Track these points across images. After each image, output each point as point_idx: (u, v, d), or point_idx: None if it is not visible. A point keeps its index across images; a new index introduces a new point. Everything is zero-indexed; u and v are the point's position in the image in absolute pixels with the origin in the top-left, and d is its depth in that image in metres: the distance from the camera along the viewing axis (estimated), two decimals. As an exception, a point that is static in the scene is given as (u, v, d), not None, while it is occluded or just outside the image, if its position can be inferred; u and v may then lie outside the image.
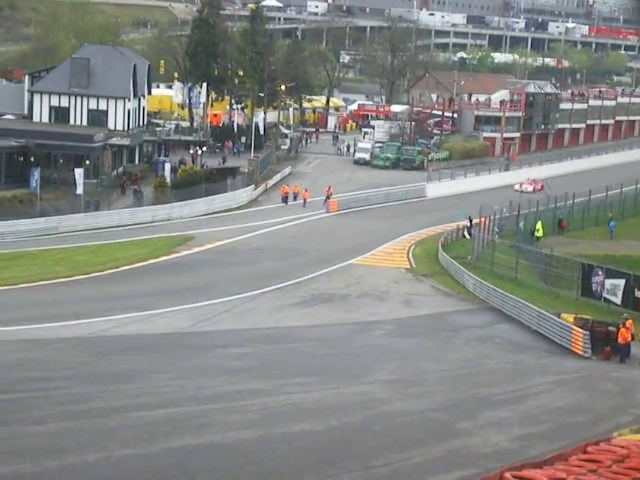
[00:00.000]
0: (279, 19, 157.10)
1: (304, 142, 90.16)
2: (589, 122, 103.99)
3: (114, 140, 65.62)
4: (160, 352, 28.96)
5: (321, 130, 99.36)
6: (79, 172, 55.75)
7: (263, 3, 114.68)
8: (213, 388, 23.80)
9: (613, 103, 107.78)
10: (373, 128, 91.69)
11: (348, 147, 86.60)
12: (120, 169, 67.32)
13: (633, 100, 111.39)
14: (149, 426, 18.71)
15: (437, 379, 27.10)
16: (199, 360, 27.94)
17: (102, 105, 67.54)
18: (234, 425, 19.50)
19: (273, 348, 30.60)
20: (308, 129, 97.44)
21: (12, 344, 28.85)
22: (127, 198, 60.11)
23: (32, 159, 60.48)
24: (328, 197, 62.32)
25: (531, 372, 28.71)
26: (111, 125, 67.30)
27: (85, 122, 67.33)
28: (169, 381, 24.72)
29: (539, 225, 51.67)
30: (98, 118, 67.17)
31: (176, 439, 17.70)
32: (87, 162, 61.76)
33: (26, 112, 68.85)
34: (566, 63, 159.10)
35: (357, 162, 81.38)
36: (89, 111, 67.42)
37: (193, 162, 70.55)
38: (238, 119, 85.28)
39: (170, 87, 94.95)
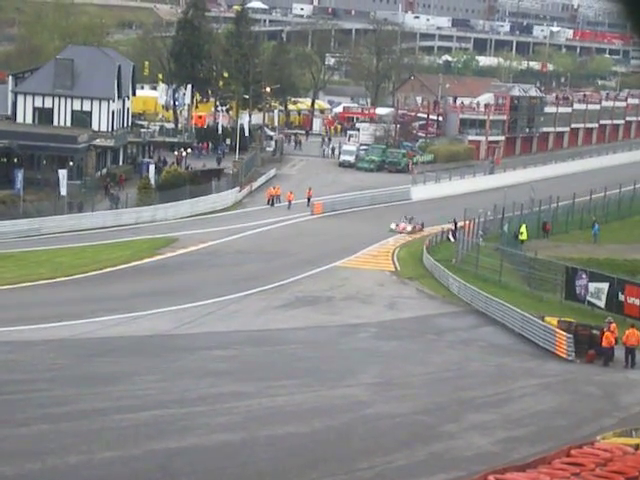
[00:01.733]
0: (264, 21, 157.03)
1: (295, 144, 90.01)
2: (573, 126, 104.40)
3: (98, 141, 65.41)
4: (144, 354, 28.89)
5: (308, 132, 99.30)
6: (63, 173, 55.54)
7: (248, 5, 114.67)
8: (197, 390, 23.76)
9: (597, 107, 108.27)
10: (358, 130, 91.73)
11: (333, 149, 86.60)
12: (104, 170, 67.10)
13: (617, 104, 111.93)
14: (132, 428, 18.67)
15: (421, 382, 27.14)
16: (183, 362, 27.89)
17: (86, 106, 67.31)
18: (218, 428, 19.48)
19: (257, 350, 30.57)
20: (298, 131, 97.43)
21: (-6, 346, 28.70)
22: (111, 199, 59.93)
23: (16, 160, 60.20)
24: (309, 199, 62.35)
25: (515, 375, 28.79)
26: (95, 126, 67.07)
27: (69, 123, 67.04)
28: (152, 383, 24.67)
29: (523, 228, 51.85)
30: (82, 119, 66.93)
31: (159, 442, 17.68)
32: (71, 163, 61.50)
33: (9, 113, 68.53)
34: (551, 67, 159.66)
35: (342, 164, 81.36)
36: (73, 112, 67.15)
37: (178, 163, 70.41)
38: (223, 121, 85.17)
39: (155, 88, 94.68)
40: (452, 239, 52.76)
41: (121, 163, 70.92)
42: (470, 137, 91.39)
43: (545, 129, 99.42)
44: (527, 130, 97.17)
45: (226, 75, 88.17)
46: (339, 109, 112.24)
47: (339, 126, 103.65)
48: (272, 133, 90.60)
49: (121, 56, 79.69)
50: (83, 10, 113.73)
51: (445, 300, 40.67)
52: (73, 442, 17.27)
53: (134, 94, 76.98)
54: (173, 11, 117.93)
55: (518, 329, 34.64)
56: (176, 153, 72.58)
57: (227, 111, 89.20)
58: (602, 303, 37.77)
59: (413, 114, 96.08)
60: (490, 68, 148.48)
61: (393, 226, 55.83)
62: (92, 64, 67.79)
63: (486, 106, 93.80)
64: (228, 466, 16.57)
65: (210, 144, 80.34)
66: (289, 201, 61.81)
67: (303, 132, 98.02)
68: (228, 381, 25.34)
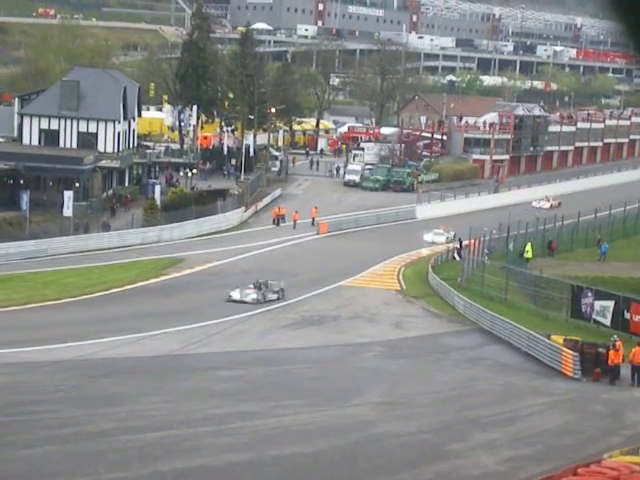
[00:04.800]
0: (269, 42, 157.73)
1: (311, 164, 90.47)
2: (577, 144, 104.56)
3: (104, 162, 65.61)
4: (150, 375, 28.87)
5: (309, 152, 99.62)
6: (69, 194, 55.68)
7: (253, 26, 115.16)
8: (203, 411, 23.72)
9: (601, 125, 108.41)
10: (363, 150, 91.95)
11: (338, 169, 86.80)
12: (110, 191, 67.27)
13: (621, 122, 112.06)
14: (138, 450, 18.63)
15: (427, 401, 27.07)
16: (189, 383, 27.85)
17: (92, 128, 67.55)
18: (224, 448, 19.43)
19: (263, 370, 30.53)
20: (311, 151, 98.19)
21: (0, 367, 28.70)
22: (117, 220, 60.05)
23: (22, 182, 60.37)
24: (314, 219, 62.43)
25: (521, 394, 28.70)
26: (101, 148, 67.28)
27: (75, 145, 67.29)
28: (159, 404, 24.62)
29: (528, 247, 51.82)
30: (88, 141, 67.18)
31: (166, 463, 17.63)
32: (77, 184, 61.66)
33: (16, 135, 68.83)
34: (554, 86, 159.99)
35: (347, 184, 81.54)
36: (79, 134, 67.41)
37: (178, 182, 70.51)
38: (228, 141, 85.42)
39: (160, 110, 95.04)
40: (457, 258, 52.76)
41: (127, 184, 71.12)
42: (475, 156, 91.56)
43: (549, 148, 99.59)
44: (531, 149, 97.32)
45: (231, 96, 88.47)
46: (344, 129, 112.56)
47: (344, 146, 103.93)
48: (277, 153, 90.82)
49: (127, 78, 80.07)
50: (89, 32, 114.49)
51: (451, 319, 40.61)
52: (79, 464, 17.23)
53: (140, 115, 77.28)
54: (178, 33, 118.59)
55: (524, 348, 34.56)
56: (181, 173, 72.68)
57: (232, 132, 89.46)
58: (608, 321, 37.66)
59: (418, 133, 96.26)
60: (494, 87, 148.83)
61: (235, 293, 43.21)
62: (98, 86, 68.11)
63: (490, 125, 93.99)
64: (234, 486, 16.51)
65: (209, 164, 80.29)
66: (294, 221, 61.87)
67: (318, 152, 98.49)
68: (234, 401, 25.29)
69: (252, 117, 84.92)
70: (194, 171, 71.72)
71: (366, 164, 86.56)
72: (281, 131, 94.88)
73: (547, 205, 70.57)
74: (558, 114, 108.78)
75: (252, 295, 41.23)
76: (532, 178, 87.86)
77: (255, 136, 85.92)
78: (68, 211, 55.18)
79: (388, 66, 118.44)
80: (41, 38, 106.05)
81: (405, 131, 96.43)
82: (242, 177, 73.09)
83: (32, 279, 45.37)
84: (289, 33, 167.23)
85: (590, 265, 51.71)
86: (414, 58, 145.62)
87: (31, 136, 67.40)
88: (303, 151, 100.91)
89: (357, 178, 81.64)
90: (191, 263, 50.04)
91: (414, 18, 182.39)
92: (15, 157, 61.73)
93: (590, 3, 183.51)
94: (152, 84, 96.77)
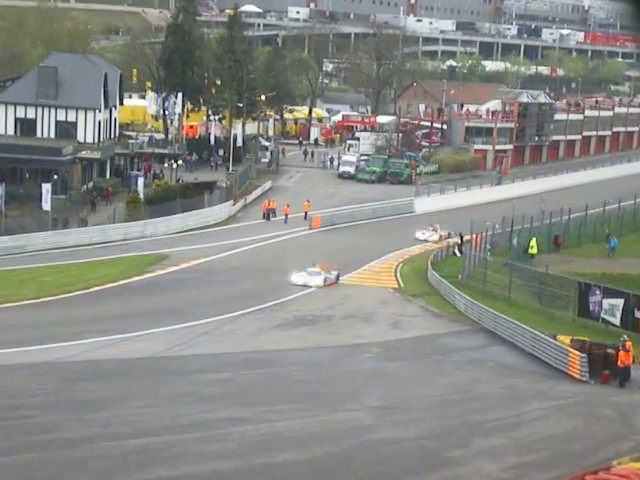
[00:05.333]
0: (258, 25, 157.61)
1: (305, 155, 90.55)
2: (585, 133, 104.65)
3: (84, 153, 65.49)
4: (133, 378, 28.90)
5: (302, 142, 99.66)
6: (47, 187, 55.59)
7: (241, 9, 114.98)
8: (190, 416, 23.76)
9: (610, 113, 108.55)
10: (358, 140, 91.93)
11: (332, 160, 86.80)
12: (90, 184, 67.16)
13: (631, 110, 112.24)
14: (121, 457, 18.67)
15: (427, 405, 27.15)
16: (175, 386, 27.88)
17: (71, 116, 67.43)
18: (212, 455, 19.49)
19: (253, 373, 30.59)
20: (305, 141, 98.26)
21: (-25, 370, 28.71)
22: (98, 215, 60.00)
23: (-4, 174, 60.26)
24: (306, 213, 62.44)
25: (526, 397, 28.80)
26: (80, 138, 67.14)
27: (53, 134, 67.14)
28: (143, 409, 24.67)
29: (533, 242, 51.89)
30: (67, 130, 67.03)
31: (150, 470, 17.68)
32: (55, 177, 61.55)
33: (-10, 124, 68.67)
34: (561, 71, 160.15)
35: (342, 176, 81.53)
36: (57, 123, 67.26)
37: (162, 174, 70.42)
38: (215, 131, 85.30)
39: (143, 97, 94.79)
40: (458, 254, 52.80)
41: (108, 176, 71.00)
42: (476, 146, 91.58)
43: (555, 137, 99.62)
44: (536, 138, 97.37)
45: (218, 83, 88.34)
46: (338, 117, 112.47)
47: (338, 135, 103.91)
48: (267, 143, 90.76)
49: (108, 63, 79.90)
50: (67, 15, 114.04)
51: (451, 318, 40.70)
52: (59, 472, 17.27)
53: (121, 103, 77.12)
54: (162, 16, 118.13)
55: (529, 348, 34.65)
56: (166, 165, 72.64)
57: (220, 120, 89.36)
58: (617, 320, 37.75)
59: (416, 122, 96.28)
60: (497, 73, 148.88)
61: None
62: (77, 72, 67.93)
63: (493, 113, 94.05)
64: (223, 496, 16.57)
65: (195, 155, 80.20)
66: (286, 215, 61.87)
67: (312, 142, 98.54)
68: (223, 406, 25.34)
69: (241, 105, 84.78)
70: (179, 162, 71.65)
71: (361, 155, 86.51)
72: (271, 120, 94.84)
73: (435, 236, 58.28)
74: (565, 101, 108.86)
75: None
76: (537, 169, 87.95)
77: (244, 125, 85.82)
78: (46, 205, 55.08)
79: (385, 51, 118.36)
80: (16, 22, 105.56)
81: (403, 120, 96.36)
82: (230, 169, 73.03)
83: (8, 277, 45.33)
84: (280, 16, 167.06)
85: (598, 261, 51.81)
86: (412, 42, 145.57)
87: (6, 125, 67.22)
88: (295, 141, 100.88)
89: (352, 170, 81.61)
90: (176, 260, 50.02)
91: (412, 0, 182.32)
92: (-11, 148, 61.59)
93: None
94: (135, 70, 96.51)
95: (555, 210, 57.53)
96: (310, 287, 44.35)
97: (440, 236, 57.76)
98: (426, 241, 57.32)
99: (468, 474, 19.13)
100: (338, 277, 46.20)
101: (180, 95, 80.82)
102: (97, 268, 47.80)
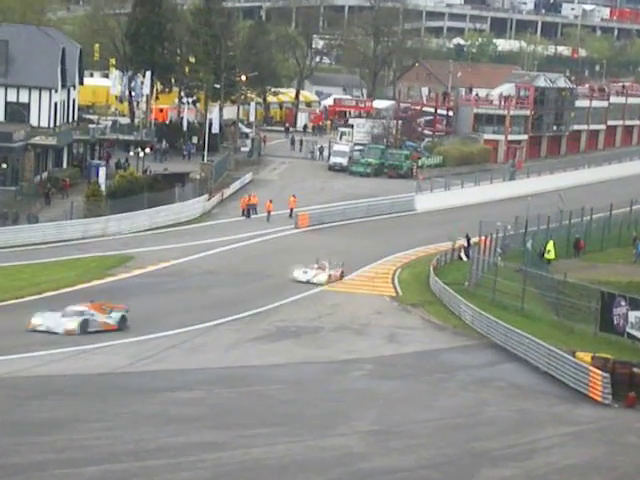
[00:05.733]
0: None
1: (291, 144, 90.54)
2: (610, 123, 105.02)
3: (37, 139, 65.32)
4: (92, 396, 28.80)
5: (289, 129, 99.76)
6: (-6, 177, 55.53)
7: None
8: (156, 440, 23.71)
9: (639, 100, 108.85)
10: (352, 127, 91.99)
11: (321, 150, 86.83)
12: (44, 174, 67.02)
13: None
14: (77, 486, 18.60)
15: (427, 430, 27.15)
16: (139, 406, 27.83)
17: (23, 97, 67.26)
18: (181, 485, 19.44)
19: (229, 392, 30.55)
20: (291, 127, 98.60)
21: None
22: (53, 209, 59.88)
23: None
24: (292, 210, 62.44)
25: (540, 422, 28.84)
26: (34, 121, 67.00)
27: (2, 117, 67.03)
28: (102, 432, 24.60)
29: (550, 245, 51.98)
30: (18, 113, 66.88)
31: (110, 502, 17.63)
32: (4, 165, 61.41)
33: None
34: (583, 52, 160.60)
35: (332, 168, 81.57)
36: (7, 104, 67.10)
37: (128, 163, 70.36)
38: (189, 115, 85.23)
39: (106, 76, 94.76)
40: (464, 258, 52.88)
41: (65, 165, 70.83)
42: (486, 136, 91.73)
43: (576, 127, 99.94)
44: (555, 128, 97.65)
45: (193, 60, 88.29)
46: (329, 102, 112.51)
47: (329, 122, 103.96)
48: (248, 130, 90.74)
49: (66, 37, 79.76)
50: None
51: (456, 331, 40.73)
52: (5, 502, 17.21)
53: (81, 83, 77.01)
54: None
55: (544, 367, 34.70)
56: (131, 153, 72.57)
57: (194, 103, 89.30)
58: (645, 335, 37.86)
59: (418, 108, 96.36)
60: (510, 53, 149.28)
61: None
62: (31, 47, 67.80)
63: (505, 99, 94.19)
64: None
65: (165, 142, 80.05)
66: (268, 212, 61.87)
67: (301, 129, 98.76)
68: (194, 429, 25.29)
69: (218, 86, 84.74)
70: (147, 151, 71.58)
71: (355, 144, 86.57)
72: (253, 103, 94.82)
73: (322, 276, 47.34)
74: (587, 86, 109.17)
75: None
76: (555, 163, 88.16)
77: (221, 109, 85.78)
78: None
79: (383, 26, 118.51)
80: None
81: (403, 105, 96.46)
82: (205, 158, 72.99)
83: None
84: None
85: (624, 268, 51.94)
86: (414, 17, 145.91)
87: (-51, 107, 67.15)
88: (280, 128, 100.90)
89: (344, 161, 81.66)
90: (143, 262, 49.96)
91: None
92: None
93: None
94: (97, 45, 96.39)
95: (575, 209, 57.64)
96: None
97: (330, 276, 47.46)
98: (309, 283, 46.55)
99: (473, 509, 19.16)
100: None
101: (148, 74, 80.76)
102: (51, 270, 47.68)
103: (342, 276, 47.84)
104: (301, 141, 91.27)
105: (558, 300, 42.50)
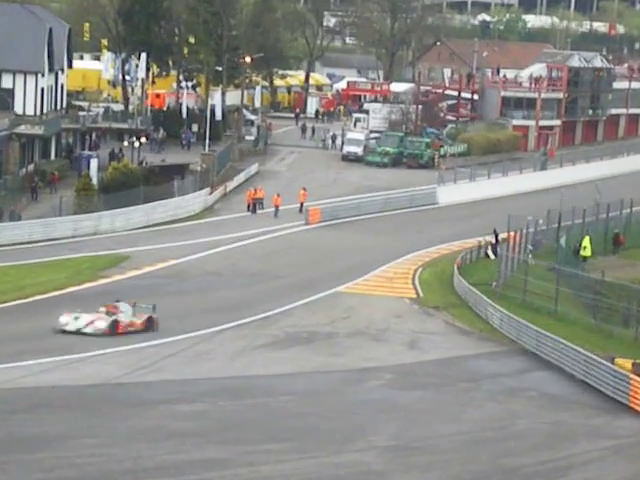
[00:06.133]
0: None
1: (302, 131, 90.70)
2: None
3: (22, 128, 65.48)
4: (84, 410, 28.85)
5: (298, 116, 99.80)
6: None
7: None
8: (154, 458, 23.73)
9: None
10: (367, 113, 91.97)
11: (334, 138, 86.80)
12: (31, 167, 67.14)
13: None
14: (69, 508, 18.66)
15: (452, 445, 27.14)
16: (135, 420, 27.86)
17: (6, 82, 67.42)
18: (182, 506, 19.49)
19: (234, 404, 30.56)
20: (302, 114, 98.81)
21: None
22: (40, 205, 59.96)
23: None
24: (302, 204, 62.44)
25: (576, 435, 28.84)
26: (18, 109, 67.14)
27: (-17, 104, 67.31)
28: (95, 448, 24.64)
29: (586, 241, 51.88)
30: (1, 99, 67.03)
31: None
32: (-14, 157, 61.65)
33: None
34: (621, 29, 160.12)
35: (346, 158, 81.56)
36: (-11, 90, 67.43)
37: (122, 154, 70.45)
38: (188, 101, 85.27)
39: (98, 58, 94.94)
40: (492, 256, 52.85)
41: (53, 157, 70.95)
42: (515, 121, 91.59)
43: (614, 111, 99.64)
44: (590, 112, 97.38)
45: (192, 40, 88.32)
46: (342, 85, 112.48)
47: (341, 107, 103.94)
48: (254, 117, 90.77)
49: (53, 16, 79.92)
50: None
51: (483, 336, 40.71)
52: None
53: (70, 66, 77.12)
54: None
55: (580, 375, 34.65)
56: (125, 143, 72.64)
57: (194, 88, 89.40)
58: (691, 340, 37.83)
59: (440, 91, 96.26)
60: (541, 30, 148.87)
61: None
62: (14, 26, 67.92)
63: (536, 80, 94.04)
64: None
65: (163, 131, 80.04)
66: (276, 207, 61.86)
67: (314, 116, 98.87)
68: (195, 445, 25.31)
69: (220, 69, 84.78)
70: (143, 140, 71.65)
71: (371, 132, 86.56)
72: (258, 88, 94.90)
73: (101, 323, 37.63)
74: (626, 66, 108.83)
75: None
76: (591, 151, 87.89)
77: (224, 94, 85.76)
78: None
79: (401, 2, 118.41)
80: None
81: (423, 88, 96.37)
82: (207, 148, 73.06)
83: None
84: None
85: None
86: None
87: None
88: (288, 114, 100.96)
89: (359, 150, 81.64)
90: (139, 262, 49.99)
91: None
92: None
93: None
94: (87, 24, 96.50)
95: (614, 202, 57.51)
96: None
97: (116, 324, 37.80)
98: (80, 332, 37.26)
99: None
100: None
101: (144, 56, 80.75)
102: (39, 272, 47.70)
103: (149, 325, 38.37)
104: (313, 129, 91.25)
105: (595, 301, 42.43)
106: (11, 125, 64.75)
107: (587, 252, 51.50)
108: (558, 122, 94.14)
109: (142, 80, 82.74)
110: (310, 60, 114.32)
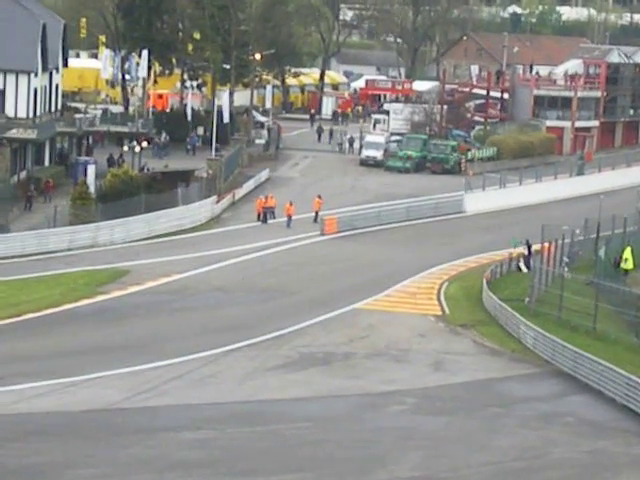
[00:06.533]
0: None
1: (319, 134, 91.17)
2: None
3: (14, 132, 65.64)
4: (81, 438, 28.90)
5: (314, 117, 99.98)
6: (-36, 178, 55.81)
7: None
8: (157, 489, 23.78)
9: None
10: (387, 114, 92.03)
11: (352, 141, 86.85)
12: (23, 174, 67.30)
13: None
14: None
15: (481, 476, 27.11)
16: (137, 449, 27.90)
17: (-3, 82, 67.75)
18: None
19: (244, 432, 30.56)
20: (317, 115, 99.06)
21: None
22: (33, 215, 60.06)
23: None
24: (317, 213, 62.46)
25: (617, 465, 28.77)
26: (10, 111, 67.31)
27: (-28, 107, 67.54)
28: (95, 479, 24.64)
29: (628, 253, 51.75)
30: (-9, 101, 67.38)
31: None
32: (-25, 164, 61.76)
33: None
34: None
35: (365, 163, 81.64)
36: (-23, 91, 67.65)
37: (122, 160, 70.58)
38: (193, 102, 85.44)
39: (96, 56, 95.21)
40: (524, 269, 52.75)
41: (47, 163, 71.11)
42: (549, 122, 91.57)
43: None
44: (631, 112, 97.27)
45: (197, 36, 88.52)
46: (360, 84, 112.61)
47: (360, 108, 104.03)
48: (264, 119, 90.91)
49: (47, 11, 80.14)
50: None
51: (515, 357, 40.60)
52: None
53: (66, 65, 77.36)
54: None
55: (621, 399, 34.57)
56: (125, 148, 72.84)
57: (199, 88, 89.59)
58: None
59: (467, 90, 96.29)
60: (577, 23, 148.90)
61: None
62: (5, 22, 68.05)
63: (572, 78, 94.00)
64: None
65: (166, 134, 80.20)
66: (288, 216, 61.90)
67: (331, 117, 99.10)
68: (202, 476, 25.32)
69: (228, 67, 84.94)
70: (144, 145, 71.82)
71: (392, 134, 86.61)
72: (269, 87, 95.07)
73: None
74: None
75: None
76: (632, 154, 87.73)
77: (232, 94, 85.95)
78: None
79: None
80: None
81: (448, 86, 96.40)
82: (213, 153, 73.19)
83: None
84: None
85: None
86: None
87: None
88: (302, 116, 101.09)
89: (379, 154, 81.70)
90: (140, 277, 50.00)
91: None
92: None
93: None
94: (84, 20, 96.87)
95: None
96: None
97: None
98: None
99: None
100: None
101: (145, 53, 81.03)
102: (32, 288, 47.76)
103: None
104: (331, 131, 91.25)
105: (638, 319, 42.34)
106: (2, 129, 64.92)
107: (629, 265, 51.35)
108: (596, 123, 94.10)
109: (143, 80, 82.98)
110: (325, 57, 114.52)
